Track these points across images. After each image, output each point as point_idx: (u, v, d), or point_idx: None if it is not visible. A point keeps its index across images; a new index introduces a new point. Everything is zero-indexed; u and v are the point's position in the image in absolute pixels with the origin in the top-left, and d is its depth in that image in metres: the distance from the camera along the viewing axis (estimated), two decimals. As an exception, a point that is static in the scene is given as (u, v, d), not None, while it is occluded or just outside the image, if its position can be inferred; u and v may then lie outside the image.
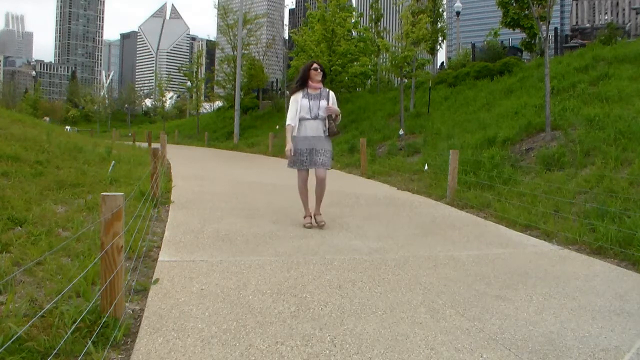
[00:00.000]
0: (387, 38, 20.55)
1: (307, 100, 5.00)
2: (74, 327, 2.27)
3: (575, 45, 16.20)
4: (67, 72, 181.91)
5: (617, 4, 16.62)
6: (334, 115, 5.04)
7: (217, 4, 32.02)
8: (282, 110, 24.18)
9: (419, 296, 3.16)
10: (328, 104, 5.04)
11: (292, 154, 4.97)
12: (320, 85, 5.12)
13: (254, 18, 32.02)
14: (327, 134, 5.04)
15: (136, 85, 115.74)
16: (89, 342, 2.24)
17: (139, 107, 75.11)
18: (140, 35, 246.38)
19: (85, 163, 8.11)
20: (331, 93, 5.17)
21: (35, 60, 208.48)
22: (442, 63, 28.07)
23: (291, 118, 5.02)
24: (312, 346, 2.41)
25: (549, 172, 7.05)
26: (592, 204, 5.45)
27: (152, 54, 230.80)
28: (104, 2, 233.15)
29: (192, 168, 11.38)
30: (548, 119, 8.26)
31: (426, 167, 9.22)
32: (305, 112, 4.98)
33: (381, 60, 24.89)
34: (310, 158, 4.98)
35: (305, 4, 27.85)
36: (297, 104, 5.00)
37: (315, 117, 4.97)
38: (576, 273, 3.77)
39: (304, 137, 4.98)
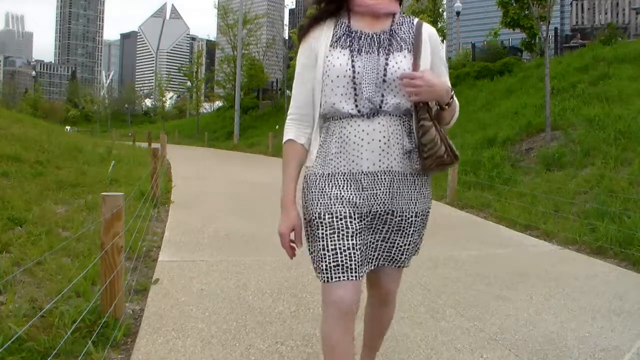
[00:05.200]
0: (387, 38, 20.54)
1: (347, 51, 1.46)
2: (74, 327, 2.27)
3: (575, 45, 16.20)
4: (67, 72, 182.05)
5: (617, 4, 16.61)
6: (432, 102, 1.50)
7: (217, 4, 32.09)
8: (282, 110, 24.13)
9: (419, 296, 3.16)
10: (417, 62, 1.47)
11: (300, 243, 1.61)
12: (391, 5, 1.51)
13: (253, 18, 32.04)
14: (422, 162, 1.61)
15: (136, 85, 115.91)
16: (89, 342, 2.24)
17: (139, 107, 75.12)
18: (140, 35, 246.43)
19: (85, 163, 8.12)
20: (426, 28, 1.54)
21: (35, 60, 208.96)
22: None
23: (294, 120, 1.56)
24: (312, 346, 2.41)
25: (549, 172, 7.05)
26: (592, 204, 5.45)
27: (152, 54, 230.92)
28: (104, 2, 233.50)
29: (192, 168, 11.38)
30: (548, 119, 8.26)
31: (426, 167, 9.21)
32: (344, 90, 1.45)
33: (381, 60, 24.85)
34: (369, 240, 1.55)
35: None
36: (314, 71, 1.50)
37: (375, 111, 1.46)
38: (576, 273, 3.76)
39: (342, 174, 1.48)
